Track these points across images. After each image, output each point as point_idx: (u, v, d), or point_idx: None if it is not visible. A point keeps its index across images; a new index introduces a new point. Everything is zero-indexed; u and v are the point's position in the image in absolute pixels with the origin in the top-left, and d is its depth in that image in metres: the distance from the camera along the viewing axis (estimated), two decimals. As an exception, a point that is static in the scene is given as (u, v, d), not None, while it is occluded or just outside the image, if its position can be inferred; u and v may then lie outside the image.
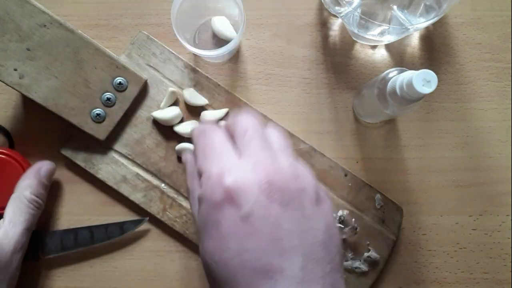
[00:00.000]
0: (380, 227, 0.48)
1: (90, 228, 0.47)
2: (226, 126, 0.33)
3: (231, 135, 0.32)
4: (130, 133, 0.49)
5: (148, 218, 0.48)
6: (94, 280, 0.49)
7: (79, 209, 0.49)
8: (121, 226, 0.47)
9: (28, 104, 0.50)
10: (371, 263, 0.47)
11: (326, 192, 0.30)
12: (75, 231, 0.47)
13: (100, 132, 0.47)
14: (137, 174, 0.48)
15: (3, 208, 0.47)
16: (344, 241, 0.47)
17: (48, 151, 0.49)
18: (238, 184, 0.27)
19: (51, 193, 0.49)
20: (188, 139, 0.48)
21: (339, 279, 0.27)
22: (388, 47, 0.51)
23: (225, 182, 0.27)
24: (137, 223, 0.48)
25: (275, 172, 0.28)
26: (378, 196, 0.48)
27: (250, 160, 0.29)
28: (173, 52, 0.50)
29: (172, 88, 0.48)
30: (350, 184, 0.48)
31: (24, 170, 0.47)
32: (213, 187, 0.28)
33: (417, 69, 0.36)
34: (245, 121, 0.31)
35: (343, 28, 0.51)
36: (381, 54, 0.51)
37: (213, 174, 0.28)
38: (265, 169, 0.28)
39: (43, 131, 0.50)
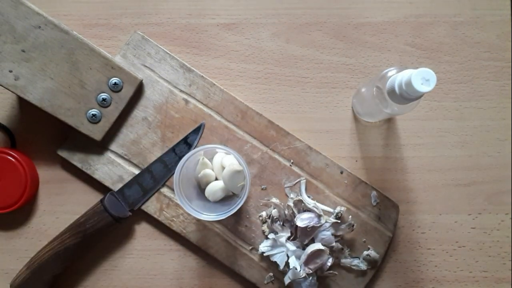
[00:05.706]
0: (377, 224, 0.48)
1: (160, 159, 0.48)
2: None
3: None
4: (126, 133, 0.49)
5: (204, 122, 0.48)
6: (94, 279, 0.49)
7: (79, 208, 0.48)
8: (185, 141, 0.48)
9: (27, 104, 0.50)
10: (370, 261, 0.47)
11: None
12: (147, 169, 0.48)
13: (96, 132, 0.47)
14: (134, 174, 0.48)
15: (4, 208, 0.47)
16: (341, 238, 0.48)
17: (47, 150, 0.49)
18: None
19: (49, 192, 0.49)
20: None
21: None
22: (387, 46, 0.51)
23: None
24: (197, 130, 0.48)
25: None
26: (374, 193, 0.48)
27: None
28: (168, 52, 0.50)
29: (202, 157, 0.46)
30: (346, 182, 0.48)
31: (25, 170, 0.47)
32: None
33: (416, 68, 0.36)
34: None
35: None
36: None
37: None
38: None
39: (43, 131, 0.50)
